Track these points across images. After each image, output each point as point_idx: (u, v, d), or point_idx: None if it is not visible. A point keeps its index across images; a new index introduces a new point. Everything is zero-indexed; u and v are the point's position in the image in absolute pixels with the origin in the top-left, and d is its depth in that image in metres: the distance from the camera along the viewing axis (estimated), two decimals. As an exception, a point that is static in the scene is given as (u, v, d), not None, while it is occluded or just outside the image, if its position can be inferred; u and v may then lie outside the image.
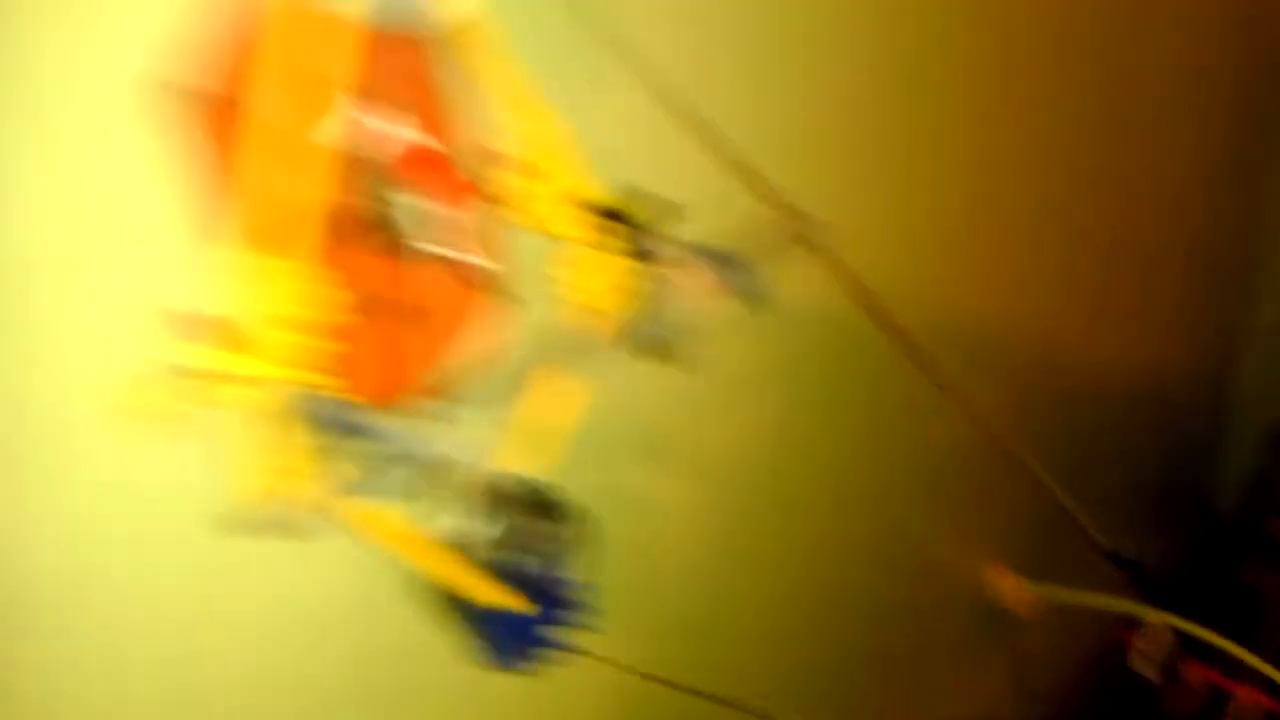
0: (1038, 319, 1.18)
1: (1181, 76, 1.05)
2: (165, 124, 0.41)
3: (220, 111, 0.42)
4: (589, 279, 0.53)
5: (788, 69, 0.70)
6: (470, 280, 0.50)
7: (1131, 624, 1.38)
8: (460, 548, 0.53)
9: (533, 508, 0.56)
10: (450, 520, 0.52)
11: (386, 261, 0.47)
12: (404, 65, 0.45)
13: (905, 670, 1.09)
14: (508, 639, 0.57)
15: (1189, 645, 1.41)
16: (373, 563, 0.56)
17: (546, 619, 0.58)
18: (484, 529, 0.54)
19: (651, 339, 0.50)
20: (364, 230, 0.45)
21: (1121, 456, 1.44)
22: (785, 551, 0.91)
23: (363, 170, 0.43)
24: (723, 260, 0.49)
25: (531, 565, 0.56)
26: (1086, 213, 1.19)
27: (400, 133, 0.44)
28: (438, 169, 0.46)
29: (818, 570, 0.96)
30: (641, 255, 0.50)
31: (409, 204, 0.47)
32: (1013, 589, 1.27)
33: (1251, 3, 1.14)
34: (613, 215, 0.50)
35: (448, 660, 0.60)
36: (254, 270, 0.40)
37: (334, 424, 0.40)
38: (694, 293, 0.49)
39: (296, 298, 0.41)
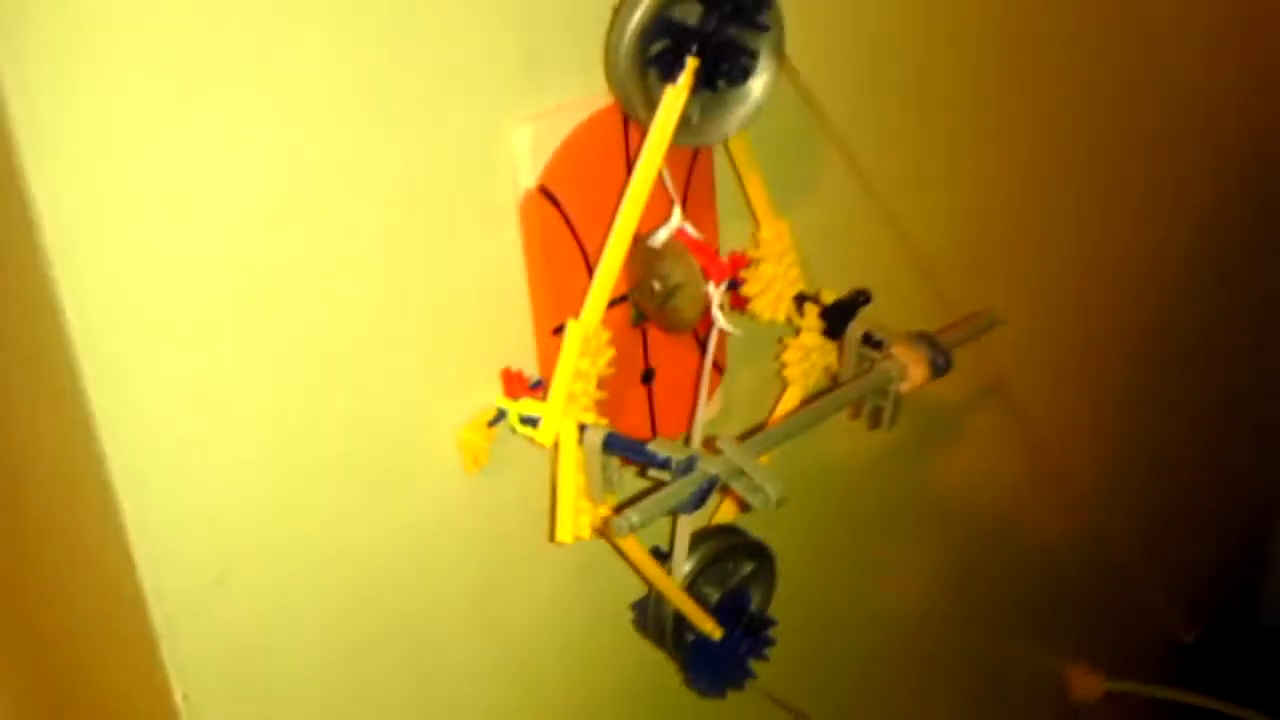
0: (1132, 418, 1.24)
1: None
2: (515, 215, 0.49)
3: (555, 207, 0.50)
4: (806, 357, 0.62)
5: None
6: (708, 350, 0.58)
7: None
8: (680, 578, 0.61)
9: (735, 545, 0.63)
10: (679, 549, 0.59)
11: (640, 326, 0.56)
12: (685, 165, 0.54)
13: None
14: (718, 666, 0.64)
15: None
16: (615, 581, 0.62)
17: (747, 649, 0.65)
18: (692, 560, 0.61)
19: (869, 412, 0.58)
20: (633, 299, 0.53)
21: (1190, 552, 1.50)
22: (908, 615, 0.96)
23: (646, 253, 0.52)
24: (928, 343, 0.57)
25: (728, 598, 0.63)
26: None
27: (679, 223, 0.52)
28: (706, 257, 0.54)
29: (924, 643, 1.00)
30: (865, 342, 0.59)
31: (679, 283, 0.56)
32: (1086, 683, 1.29)
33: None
34: (828, 305, 0.58)
35: (669, 684, 0.66)
36: (566, 337, 0.48)
37: (613, 446, 0.47)
38: (909, 373, 0.57)
39: (588, 358, 0.49)
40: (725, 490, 0.53)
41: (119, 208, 0.41)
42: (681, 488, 0.49)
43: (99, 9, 0.38)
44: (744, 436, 0.54)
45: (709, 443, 0.55)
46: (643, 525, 0.48)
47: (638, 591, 0.66)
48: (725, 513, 0.68)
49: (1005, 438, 0.98)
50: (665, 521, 0.63)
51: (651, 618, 0.65)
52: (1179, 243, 1.17)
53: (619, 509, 0.49)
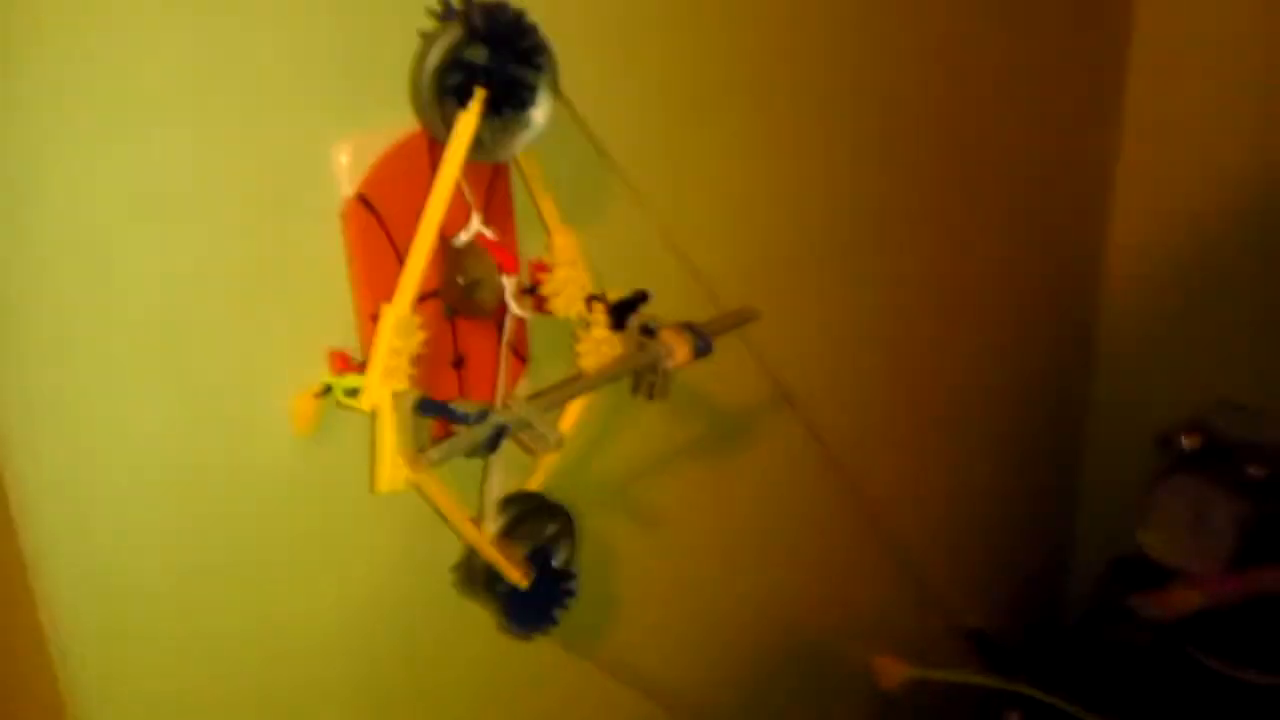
0: (915, 412, 1.37)
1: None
2: (339, 219, 0.59)
3: (371, 214, 0.60)
4: (597, 348, 0.73)
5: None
6: (504, 331, 0.68)
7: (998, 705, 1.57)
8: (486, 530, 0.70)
9: (535, 508, 0.72)
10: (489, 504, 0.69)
11: (451, 319, 0.66)
12: (485, 181, 0.64)
13: None
14: (526, 612, 0.73)
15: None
16: (438, 544, 0.71)
17: (552, 597, 0.74)
18: (501, 519, 0.71)
19: (644, 386, 0.69)
20: (442, 294, 0.63)
21: (985, 547, 1.66)
22: (709, 602, 1.05)
23: (452, 253, 0.62)
24: (694, 332, 0.68)
25: (534, 552, 0.71)
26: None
27: (478, 227, 0.63)
28: (501, 255, 0.64)
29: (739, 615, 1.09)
30: (643, 331, 0.70)
31: (479, 277, 0.66)
32: (889, 670, 1.39)
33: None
34: (613, 303, 0.70)
35: (485, 629, 0.74)
36: (380, 320, 0.58)
37: (424, 409, 0.56)
38: (675, 353, 0.68)
39: (401, 338, 0.58)
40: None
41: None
42: (476, 433, 0.61)
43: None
44: (533, 398, 0.66)
45: (504, 404, 0.66)
46: (441, 461, 0.59)
47: (458, 555, 0.76)
48: (535, 482, 0.79)
49: (809, 446, 1.12)
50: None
51: (469, 571, 0.76)
52: (982, 264, 1.34)
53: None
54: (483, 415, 0.62)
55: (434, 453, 0.60)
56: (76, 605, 0.58)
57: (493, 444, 0.62)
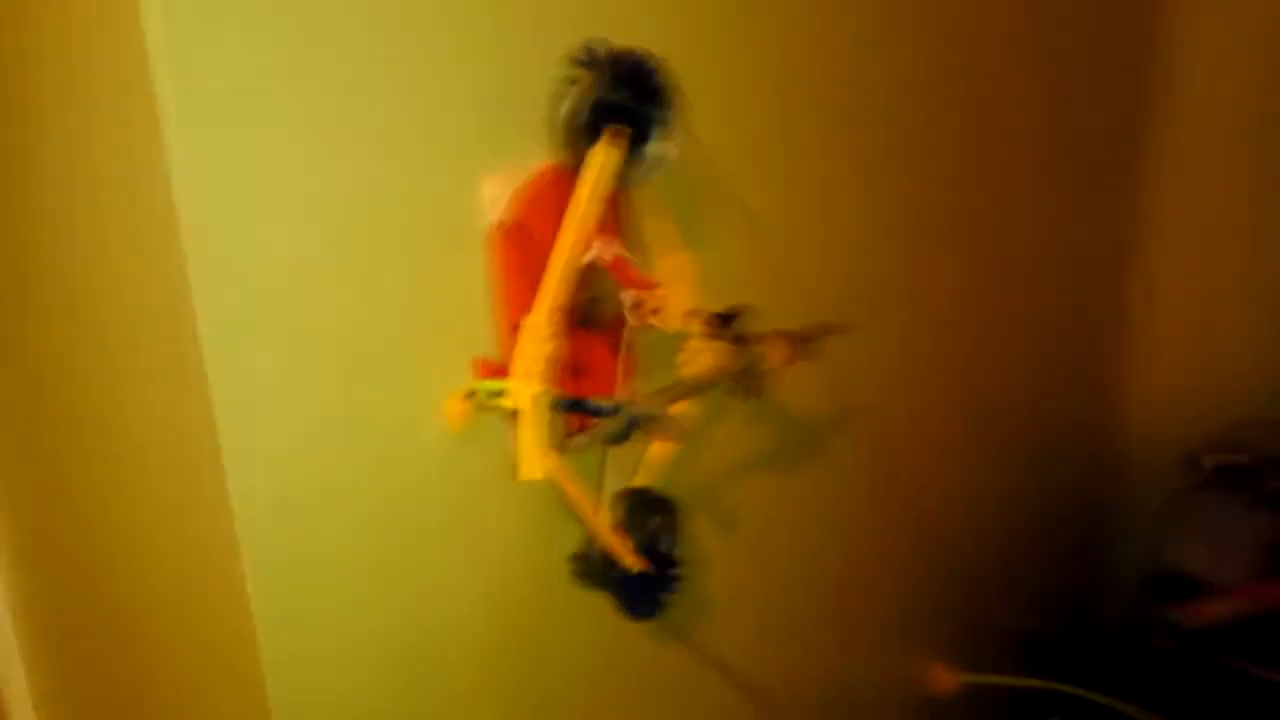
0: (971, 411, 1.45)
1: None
2: (485, 243, 0.67)
3: (513, 238, 0.68)
4: (697, 357, 0.81)
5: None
6: (626, 347, 0.76)
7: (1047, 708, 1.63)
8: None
9: (644, 501, 0.80)
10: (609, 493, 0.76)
11: (584, 331, 0.73)
12: (614, 206, 0.72)
13: None
14: (638, 597, 0.80)
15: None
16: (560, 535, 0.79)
17: (660, 584, 0.81)
18: (618, 510, 0.77)
19: (742, 389, 0.76)
20: (578, 309, 0.71)
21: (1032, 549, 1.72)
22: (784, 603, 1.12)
23: (589, 271, 0.70)
24: (785, 336, 0.76)
25: (643, 543, 0.79)
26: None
27: (610, 249, 0.71)
28: (623, 274, 0.72)
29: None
30: (737, 340, 0.78)
31: (600, 294, 0.74)
32: (942, 677, 1.47)
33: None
34: (719, 316, 0.78)
35: (598, 617, 0.82)
36: (521, 331, 0.65)
37: (563, 406, 0.63)
38: (769, 357, 0.76)
39: (540, 345, 0.66)
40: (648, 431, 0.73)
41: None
42: (611, 424, 0.70)
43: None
44: (656, 394, 0.75)
45: (632, 401, 0.75)
46: (585, 448, 0.68)
47: (576, 547, 0.85)
48: (642, 478, 0.88)
49: (876, 460, 1.20)
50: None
51: (589, 561, 0.84)
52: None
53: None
54: (617, 409, 0.71)
55: (580, 439, 0.69)
56: (273, 592, 0.66)
57: (626, 434, 0.71)
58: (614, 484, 0.84)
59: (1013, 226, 1.46)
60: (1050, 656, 1.68)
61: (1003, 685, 1.59)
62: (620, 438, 0.72)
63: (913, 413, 1.30)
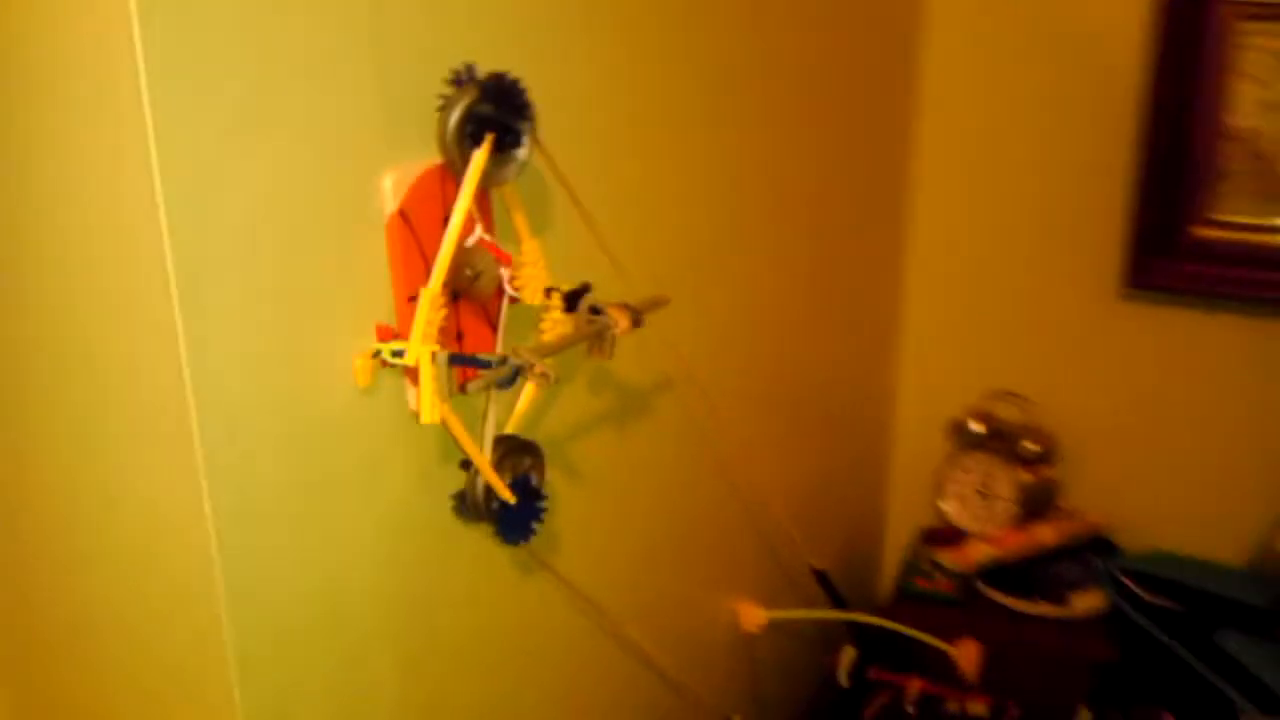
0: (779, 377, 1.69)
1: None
2: (384, 229, 0.82)
3: (407, 224, 0.84)
4: (554, 326, 0.99)
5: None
6: (505, 314, 0.93)
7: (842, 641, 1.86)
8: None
9: (514, 446, 0.96)
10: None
11: (464, 302, 0.89)
12: (482, 200, 0.88)
13: (668, 687, 1.44)
14: (513, 525, 0.96)
15: (875, 654, 1.94)
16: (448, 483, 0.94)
17: (531, 514, 0.97)
18: (497, 451, 0.93)
19: (596, 349, 0.94)
20: (451, 282, 0.86)
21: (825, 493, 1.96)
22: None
23: (462, 252, 0.86)
24: (628, 308, 0.94)
25: (515, 480, 0.95)
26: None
27: (479, 232, 0.87)
28: (500, 254, 0.89)
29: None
30: (590, 310, 0.95)
31: (481, 270, 0.90)
32: (750, 613, 1.62)
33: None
34: (566, 292, 0.96)
35: (475, 546, 0.98)
36: (420, 300, 0.80)
37: (456, 361, 0.79)
38: (619, 323, 0.94)
39: (434, 311, 0.81)
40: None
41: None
42: (503, 370, 0.87)
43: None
44: (531, 349, 0.93)
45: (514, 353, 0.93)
46: (481, 389, 0.85)
47: (456, 488, 1.02)
48: (510, 427, 1.05)
49: (694, 420, 1.41)
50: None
51: (470, 497, 1.01)
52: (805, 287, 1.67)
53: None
54: (504, 360, 0.88)
55: (476, 384, 0.86)
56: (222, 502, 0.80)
57: (512, 379, 0.89)
58: (491, 431, 1.01)
59: (806, 233, 1.71)
60: (844, 594, 1.94)
61: (803, 618, 1.83)
62: (508, 383, 0.89)
63: (725, 381, 1.52)
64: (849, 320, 1.95)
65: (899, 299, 2.20)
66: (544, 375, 0.89)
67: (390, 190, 0.90)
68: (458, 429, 0.93)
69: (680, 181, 1.30)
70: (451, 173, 0.92)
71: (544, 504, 1.04)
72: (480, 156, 0.90)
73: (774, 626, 1.72)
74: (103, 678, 0.92)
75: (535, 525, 1.03)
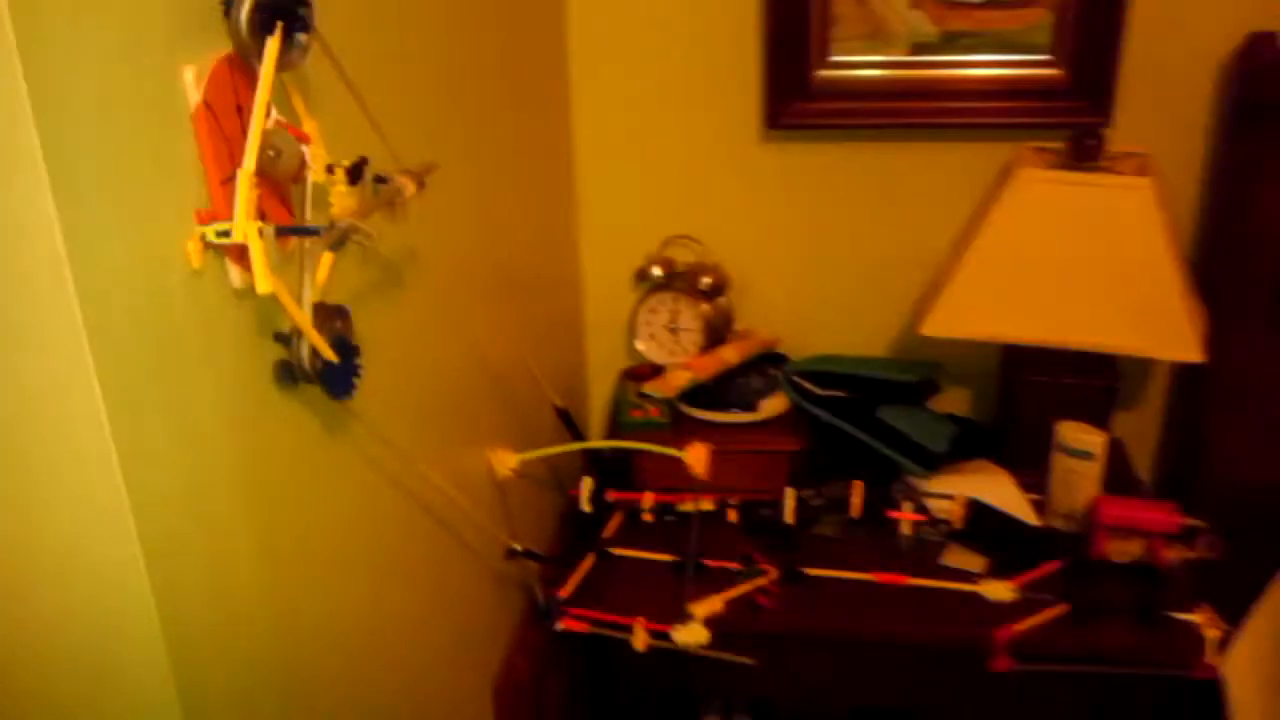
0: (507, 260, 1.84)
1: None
2: (190, 120, 0.87)
3: (211, 113, 0.89)
4: (341, 199, 1.08)
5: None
6: (288, 197, 1.00)
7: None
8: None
9: (331, 309, 1.05)
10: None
11: (266, 180, 0.96)
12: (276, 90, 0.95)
13: (433, 529, 1.54)
14: (337, 381, 1.06)
15: (610, 480, 2.15)
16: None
17: (354, 370, 1.07)
18: (318, 315, 1.02)
19: (390, 211, 1.04)
20: (263, 164, 0.93)
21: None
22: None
23: (268, 134, 0.93)
24: (412, 174, 1.05)
25: (336, 339, 1.05)
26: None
27: (275, 114, 0.94)
28: (299, 133, 0.96)
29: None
30: (377, 179, 1.05)
31: (281, 149, 0.97)
32: (503, 457, 1.75)
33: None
34: (349, 167, 1.05)
35: (310, 402, 1.07)
36: (239, 181, 0.87)
37: (284, 232, 0.87)
38: (409, 186, 1.05)
39: (253, 193, 0.89)
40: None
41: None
42: (335, 234, 0.98)
43: None
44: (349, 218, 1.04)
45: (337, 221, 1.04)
46: (321, 251, 0.96)
47: (276, 357, 1.11)
48: (318, 295, 1.15)
49: (446, 292, 1.54)
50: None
51: (295, 364, 1.11)
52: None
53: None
54: (331, 226, 0.99)
55: (317, 245, 0.97)
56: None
57: (342, 242, 1.00)
58: (310, 296, 1.11)
59: (503, 127, 1.85)
60: (576, 429, 2.16)
61: (549, 455, 2.03)
62: (338, 245, 1.00)
63: (456, 258, 1.66)
64: (541, 197, 2.13)
65: (573, 174, 2.40)
66: (368, 235, 1.01)
67: (192, 82, 0.97)
68: (285, 297, 1.03)
69: (430, 79, 1.41)
70: (242, 61, 1.00)
71: (359, 361, 1.16)
72: (274, 43, 0.99)
73: (523, 472, 1.91)
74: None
75: (355, 380, 1.14)
